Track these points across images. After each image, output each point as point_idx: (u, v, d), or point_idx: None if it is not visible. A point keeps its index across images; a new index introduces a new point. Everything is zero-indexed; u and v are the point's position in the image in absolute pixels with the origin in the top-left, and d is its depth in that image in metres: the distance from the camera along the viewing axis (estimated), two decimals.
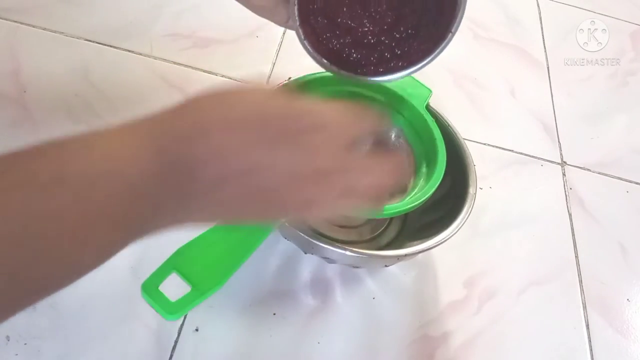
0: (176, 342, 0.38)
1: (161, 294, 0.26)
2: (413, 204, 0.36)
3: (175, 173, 0.20)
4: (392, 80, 0.33)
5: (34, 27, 0.54)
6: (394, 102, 0.43)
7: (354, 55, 0.33)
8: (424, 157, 0.41)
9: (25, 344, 0.35)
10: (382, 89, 0.42)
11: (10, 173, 0.18)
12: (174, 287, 0.25)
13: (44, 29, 0.54)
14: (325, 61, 0.33)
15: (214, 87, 0.22)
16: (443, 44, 0.31)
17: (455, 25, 0.30)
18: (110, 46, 0.54)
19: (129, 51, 0.54)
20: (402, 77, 0.33)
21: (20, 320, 0.36)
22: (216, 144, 0.21)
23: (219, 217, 0.24)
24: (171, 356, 0.37)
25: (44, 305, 0.37)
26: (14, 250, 0.17)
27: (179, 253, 0.27)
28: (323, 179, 0.23)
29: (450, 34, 0.31)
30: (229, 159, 0.21)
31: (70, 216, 0.18)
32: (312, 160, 0.23)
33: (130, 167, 0.20)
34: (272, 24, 0.34)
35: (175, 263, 0.27)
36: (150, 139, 0.20)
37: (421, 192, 0.37)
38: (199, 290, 0.26)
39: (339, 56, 0.33)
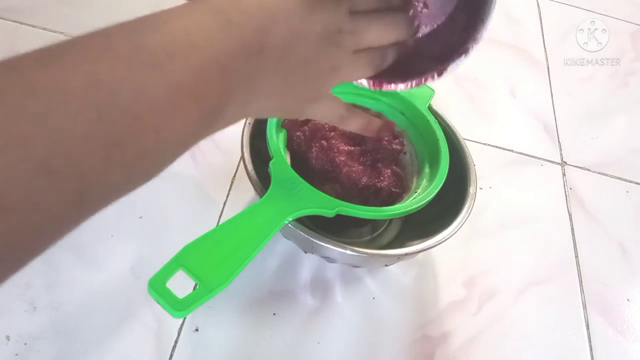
0: (176, 342, 0.38)
1: (168, 291, 0.25)
2: (417, 205, 0.36)
3: (246, 46, 0.22)
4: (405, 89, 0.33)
5: (34, 27, 0.54)
6: (396, 103, 0.43)
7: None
8: (427, 157, 0.41)
9: (25, 344, 0.35)
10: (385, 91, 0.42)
11: (90, 47, 0.18)
12: (180, 285, 0.25)
13: (44, 29, 0.54)
14: None
15: None
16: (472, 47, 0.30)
17: (482, 32, 0.29)
18: None
19: None
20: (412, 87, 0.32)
21: (20, 320, 0.36)
22: (279, 16, 0.23)
23: (279, 95, 0.25)
24: (171, 356, 0.37)
25: (44, 305, 0.37)
26: (103, 125, 0.17)
27: (185, 250, 0.27)
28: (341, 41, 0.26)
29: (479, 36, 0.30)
30: (292, 26, 0.23)
31: (152, 88, 0.18)
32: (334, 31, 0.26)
33: (207, 43, 0.20)
34: None
35: (182, 260, 0.26)
36: (222, 15, 0.21)
37: (424, 192, 0.37)
38: (207, 287, 0.26)
39: None
